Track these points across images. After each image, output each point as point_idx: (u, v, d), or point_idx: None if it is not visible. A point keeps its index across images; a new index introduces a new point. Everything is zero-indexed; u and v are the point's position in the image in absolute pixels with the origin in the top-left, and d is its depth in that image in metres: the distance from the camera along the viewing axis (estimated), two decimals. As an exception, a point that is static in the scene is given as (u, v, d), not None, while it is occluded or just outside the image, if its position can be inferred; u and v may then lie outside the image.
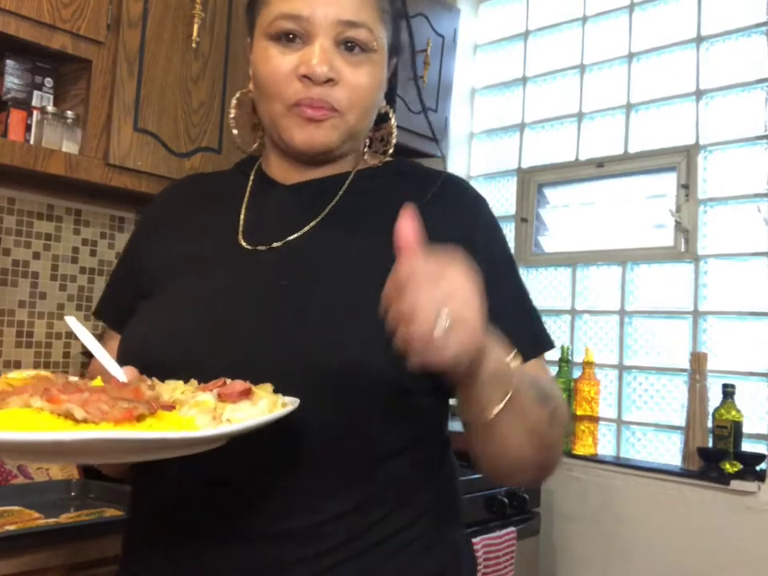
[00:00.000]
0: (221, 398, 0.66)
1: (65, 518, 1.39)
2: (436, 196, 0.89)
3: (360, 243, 0.86)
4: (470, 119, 2.99)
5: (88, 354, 2.36)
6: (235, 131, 0.96)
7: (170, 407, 0.64)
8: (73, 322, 0.77)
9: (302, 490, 0.79)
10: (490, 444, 0.80)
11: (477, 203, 0.93)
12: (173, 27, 1.93)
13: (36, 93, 1.80)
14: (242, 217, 0.91)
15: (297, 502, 0.78)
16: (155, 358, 0.80)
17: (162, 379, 0.72)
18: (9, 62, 1.76)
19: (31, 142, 1.76)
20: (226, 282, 0.86)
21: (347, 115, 0.86)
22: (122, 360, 0.81)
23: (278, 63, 0.85)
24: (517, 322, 0.86)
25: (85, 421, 0.59)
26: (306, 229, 0.88)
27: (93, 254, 2.20)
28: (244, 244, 0.88)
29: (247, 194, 0.94)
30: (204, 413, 0.63)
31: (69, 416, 0.60)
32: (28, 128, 1.77)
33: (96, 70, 1.80)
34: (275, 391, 0.71)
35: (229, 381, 0.70)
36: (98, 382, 0.69)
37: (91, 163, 1.79)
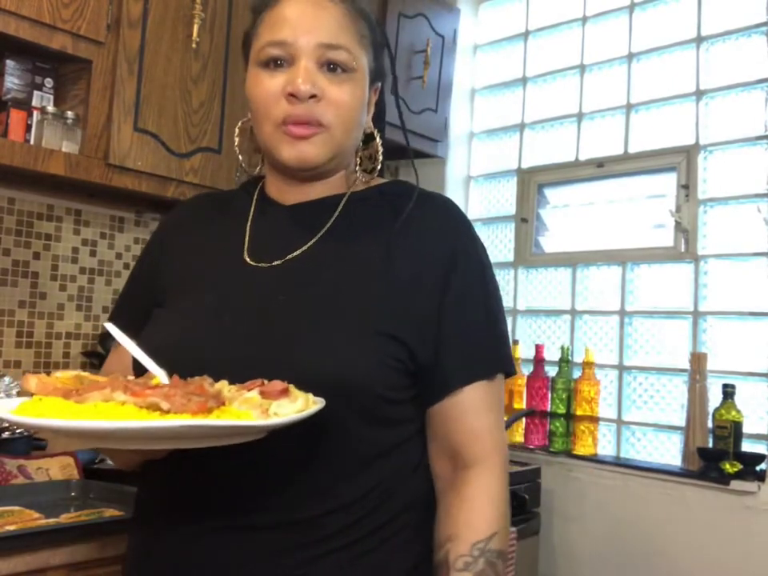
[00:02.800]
0: (263, 395, 0.74)
1: (65, 518, 1.39)
2: (419, 218, 0.96)
3: (352, 262, 0.94)
4: (469, 119, 2.99)
5: (87, 354, 2.36)
6: (240, 156, 1.04)
7: (223, 402, 0.72)
8: (112, 329, 0.84)
9: (296, 488, 0.86)
10: None
11: (459, 225, 0.98)
12: (173, 27, 1.93)
13: (36, 93, 1.80)
14: (246, 235, 1.00)
15: (292, 499, 0.86)
16: (168, 366, 0.84)
17: None
18: (9, 62, 1.76)
19: (31, 142, 1.76)
20: (232, 296, 0.94)
21: (333, 130, 0.93)
22: (138, 369, 0.87)
23: (266, 85, 0.93)
24: (480, 341, 0.94)
25: (168, 412, 0.68)
26: (304, 248, 0.96)
27: (93, 254, 2.20)
28: (249, 261, 0.97)
29: (251, 213, 1.02)
30: (254, 407, 0.71)
31: (152, 408, 0.68)
32: (28, 128, 1.77)
33: (96, 70, 1.80)
34: None
35: (266, 382, 0.77)
36: (156, 380, 0.78)
37: (91, 163, 1.79)
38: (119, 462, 1.00)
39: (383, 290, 0.91)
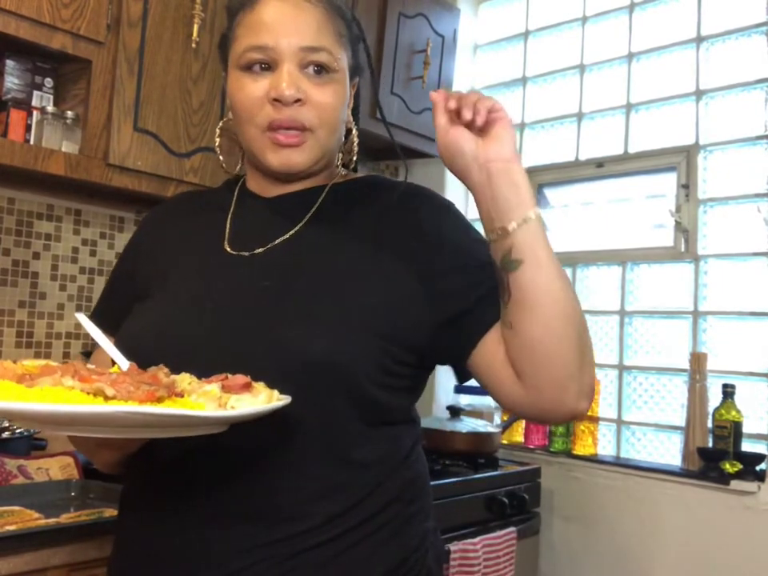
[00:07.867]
0: (224, 389, 0.73)
1: (65, 518, 1.39)
2: (399, 208, 0.97)
3: (334, 249, 0.95)
4: (470, 119, 2.99)
5: (87, 354, 2.36)
6: (221, 157, 1.06)
7: (180, 395, 0.71)
8: (82, 318, 0.84)
9: (281, 477, 0.86)
10: (531, 329, 0.85)
11: (441, 213, 0.98)
12: (173, 27, 1.93)
13: (36, 93, 1.80)
14: (227, 227, 1.01)
15: (279, 489, 0.86)
16: (149, 352, 0.85)
17: None
18: (9, 62, 1.76)
19: (31, 142, 1.76)
20: (213, 284, 0.94)
21: (318, 133, 0.94)
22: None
23: (250, 90, 0.94)
24: (489, 288, 0.91)
25: (114, 398, 0.66)
26: (286, 237, 0.96)
27: (93, 254, 2.20)
28: (229, 250, 0.97)
29: (232, 206, 1.04)
30: (211, 400, 0.70)
31: (98, 393, 0.66)
32: (28, 128, 1.77)
33: (96, 70, 1.80)
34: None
35: (230, 376, 0.76)
36: (116, 369, 0.77)
37: (91, 163, 1.79)
38: (98, 462, 1.00)
39: (368, 275, 0.92)
